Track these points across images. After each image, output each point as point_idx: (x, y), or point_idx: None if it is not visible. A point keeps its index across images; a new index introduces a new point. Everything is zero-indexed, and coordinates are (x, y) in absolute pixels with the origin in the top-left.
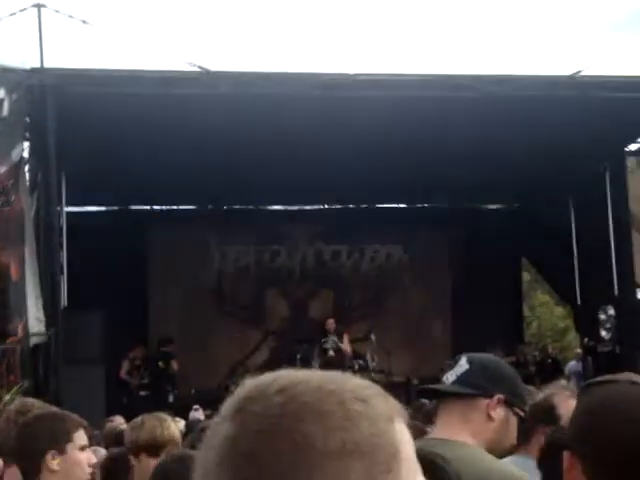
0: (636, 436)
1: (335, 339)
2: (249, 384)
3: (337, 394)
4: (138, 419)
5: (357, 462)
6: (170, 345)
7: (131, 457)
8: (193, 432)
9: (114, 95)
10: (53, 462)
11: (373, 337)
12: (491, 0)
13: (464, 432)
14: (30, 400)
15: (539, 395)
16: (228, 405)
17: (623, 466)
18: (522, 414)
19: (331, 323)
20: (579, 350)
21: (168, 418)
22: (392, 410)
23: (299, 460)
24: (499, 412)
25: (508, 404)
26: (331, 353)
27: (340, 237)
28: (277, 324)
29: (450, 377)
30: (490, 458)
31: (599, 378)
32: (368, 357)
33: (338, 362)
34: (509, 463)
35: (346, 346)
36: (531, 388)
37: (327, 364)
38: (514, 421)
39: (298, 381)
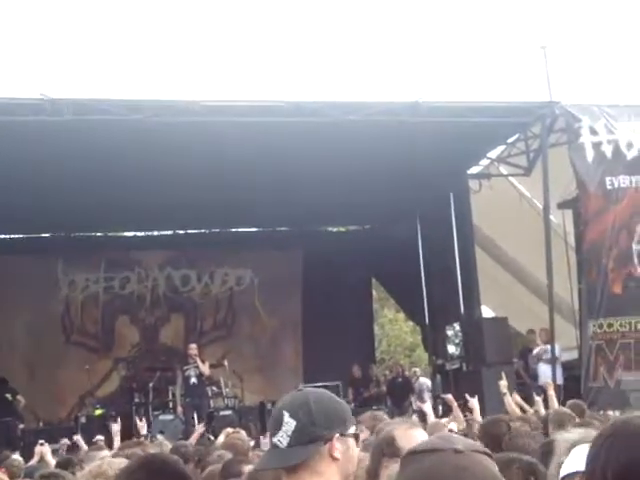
0: None
1: (197, 365)
2: None
3: None
4: None
5: None
6: (6, 384)
7: None
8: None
9: None
10: None
11: (226, 363)
12: (336, 26)
13: None
14: None
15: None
16: None
17: None
18: (355, 432)
19: (193, 348)
20: (417, 369)
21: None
22: None
23: None
24: (339, 447)
25: (343, 435)
26: (194, 381)
27: (189, 262)
28: (127, 351)
29: (283, 440)
30: None
31: (423, 446)
32: (222, 383)
33: (201, 390)
34: None
35: (206, 371)
36: (380, 413)
37: (191, 392)
38: (352, 443)
39: None
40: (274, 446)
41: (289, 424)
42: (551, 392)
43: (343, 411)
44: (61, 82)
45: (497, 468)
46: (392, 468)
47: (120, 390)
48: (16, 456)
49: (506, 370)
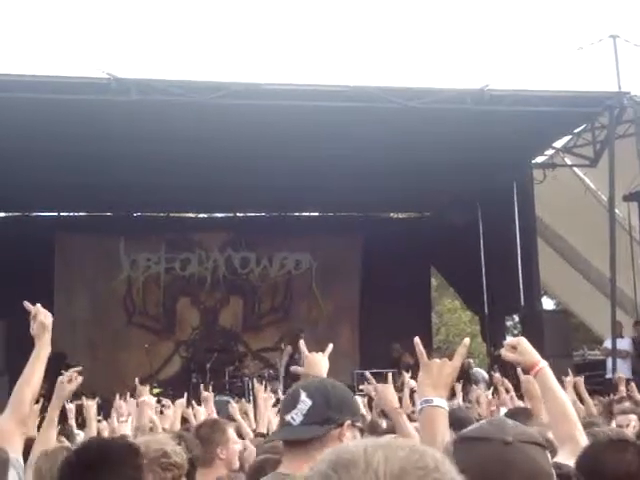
0: None
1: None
2: None
3: None
4: (45, 451)
5: None
6: (64, 360)
7: None
8: None
9: (19, 100)
10: None
11: (284, 347)
12: (401, 11)
13: None
14: None
15: None
16: None
17: None
18: (362, 427)
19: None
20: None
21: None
22: None
23: None
24: (349, 436)
25: (354, 425)
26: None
27: (249, 244)
28: (188, 334)
29: (296, 417)
30: None
31: (474, 432)
32: (279, 366)
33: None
34: None
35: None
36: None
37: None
38: (358, 435)
39: None
40: (287, 423)
41: (305, 403)
42: (622, 387)
43: (356, 402)
44: (127, 61)
45: (548, 459)
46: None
47: (182, 372)
48: (78, 431)
49: (566, 363)
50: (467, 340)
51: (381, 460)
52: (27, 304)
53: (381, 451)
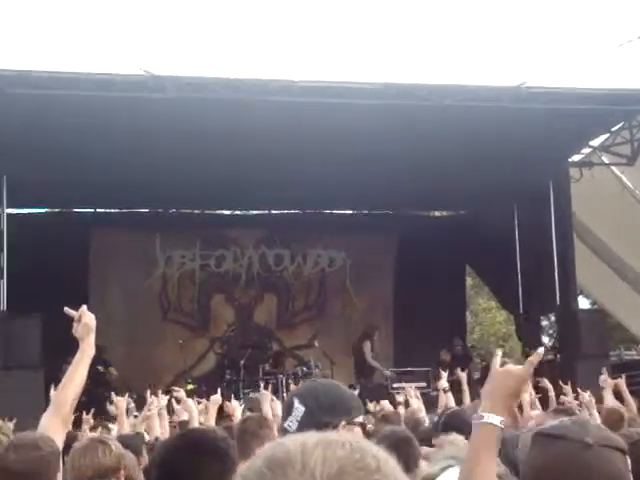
0: None
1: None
2: None
3: None
4: (77, 445)
5: None
6: (100, 353)
7: None
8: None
9: (57, 97)
10: None
11: (317, 344)
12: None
13: None
14: None
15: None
16: None
17: None
18: (361, 421)
19: None
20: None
21: (109, 441)
22: None
23: None
24: None
25: (351, 424)
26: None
27: (283, 242)
28: (223, 331)
29: (292, 424)
30: None
31: (554, 429)
32: (312, 364)
33: None
34: None
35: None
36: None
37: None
38: (358, 431)
39: None
40: (284, 430)
41: (298, 409)
42: None
43: (349, 400)
44: (163, 59)
45: (628, 465)
46: None
47: (216, 369)
48: (113, 426)
49: (603, 363)
50: (499, 353)
51: (318, 460)
52: (68, 310)
53: (319, 450)
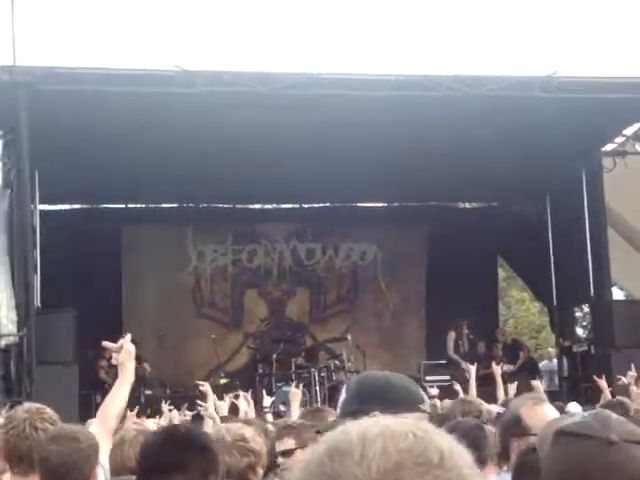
0: None
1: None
2: None
3: None
4: (117, 437)
5: None
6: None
7: None
8: None
9: (88, 93)
10: None
11: (349, 337)
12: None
13: None
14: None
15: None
16: None
17: None
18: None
19: None
20: (551, 349)
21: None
22: None
23: None
24: None
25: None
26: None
27: (314, 235)
28: (256, 326)
29: (338, 410)
30: None
31: (576, 427)
32: (344, 357)
33: None
34: None
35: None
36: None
37: None
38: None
39: None
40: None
41: (342, 396)
42: None
43: (391, 391)
44: (193, 54)
45: None
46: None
47: (250, 363)
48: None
49: (636, 354)
50: None
51: (377, 452)
52: (107, 343)
53: (380, 440)
